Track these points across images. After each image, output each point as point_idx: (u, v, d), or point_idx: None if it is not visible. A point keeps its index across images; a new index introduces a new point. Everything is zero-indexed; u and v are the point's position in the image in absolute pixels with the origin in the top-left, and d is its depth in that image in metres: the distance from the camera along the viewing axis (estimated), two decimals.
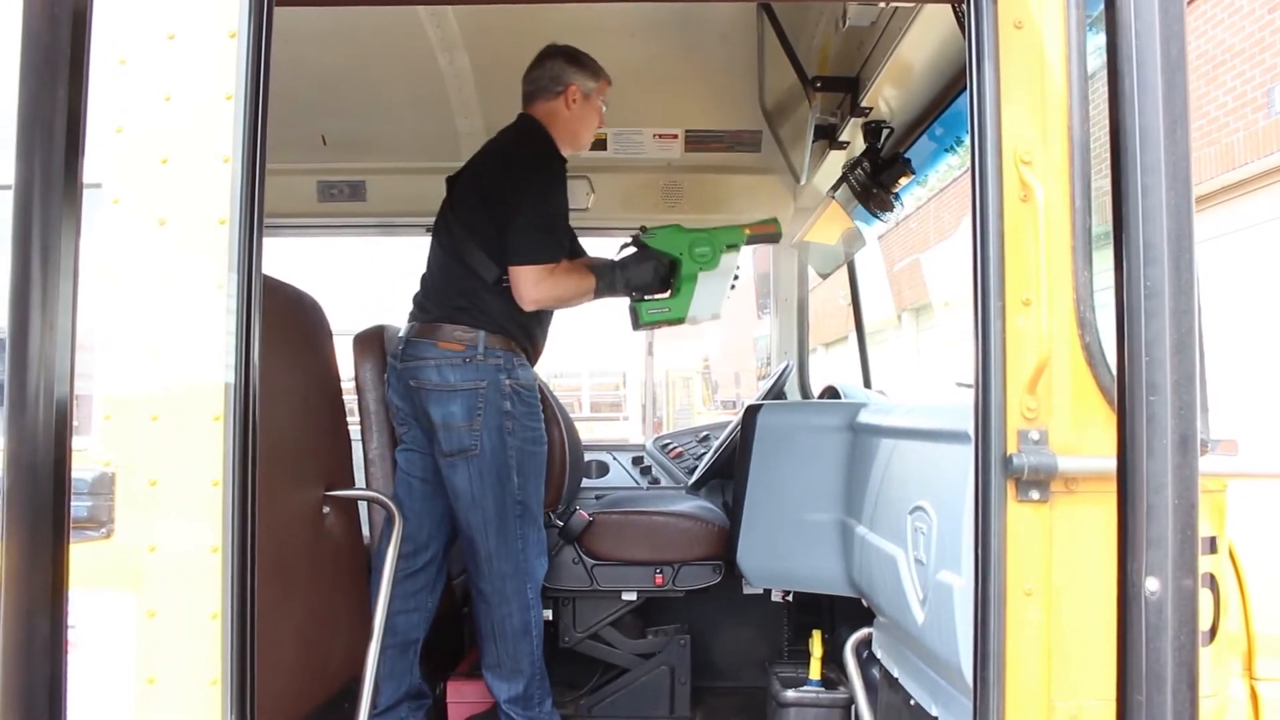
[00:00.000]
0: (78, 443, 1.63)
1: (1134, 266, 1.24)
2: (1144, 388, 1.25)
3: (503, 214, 2.92)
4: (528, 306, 2.95)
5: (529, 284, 2.91)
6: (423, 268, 3.17)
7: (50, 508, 1.02)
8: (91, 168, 1.67)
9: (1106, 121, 1.31)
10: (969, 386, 1.67)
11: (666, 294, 3.09)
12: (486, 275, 2.96)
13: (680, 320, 3.10)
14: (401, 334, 3.06)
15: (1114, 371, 1.58)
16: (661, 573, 3.44)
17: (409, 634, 3.04)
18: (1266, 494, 2.08)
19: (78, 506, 1.59)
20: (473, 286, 2.97)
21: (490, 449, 2.90)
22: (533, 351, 3.12)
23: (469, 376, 2.90)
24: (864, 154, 3.27)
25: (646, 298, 3.09)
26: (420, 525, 3.03)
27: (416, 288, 3.14)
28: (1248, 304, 8.28)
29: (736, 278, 3.14)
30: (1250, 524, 1.93)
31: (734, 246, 3.07)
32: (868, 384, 4.29)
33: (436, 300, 3.02)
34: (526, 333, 3.06)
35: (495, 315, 2.97)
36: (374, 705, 2.93)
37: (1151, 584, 1.24)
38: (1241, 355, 8.00)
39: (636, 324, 3.13)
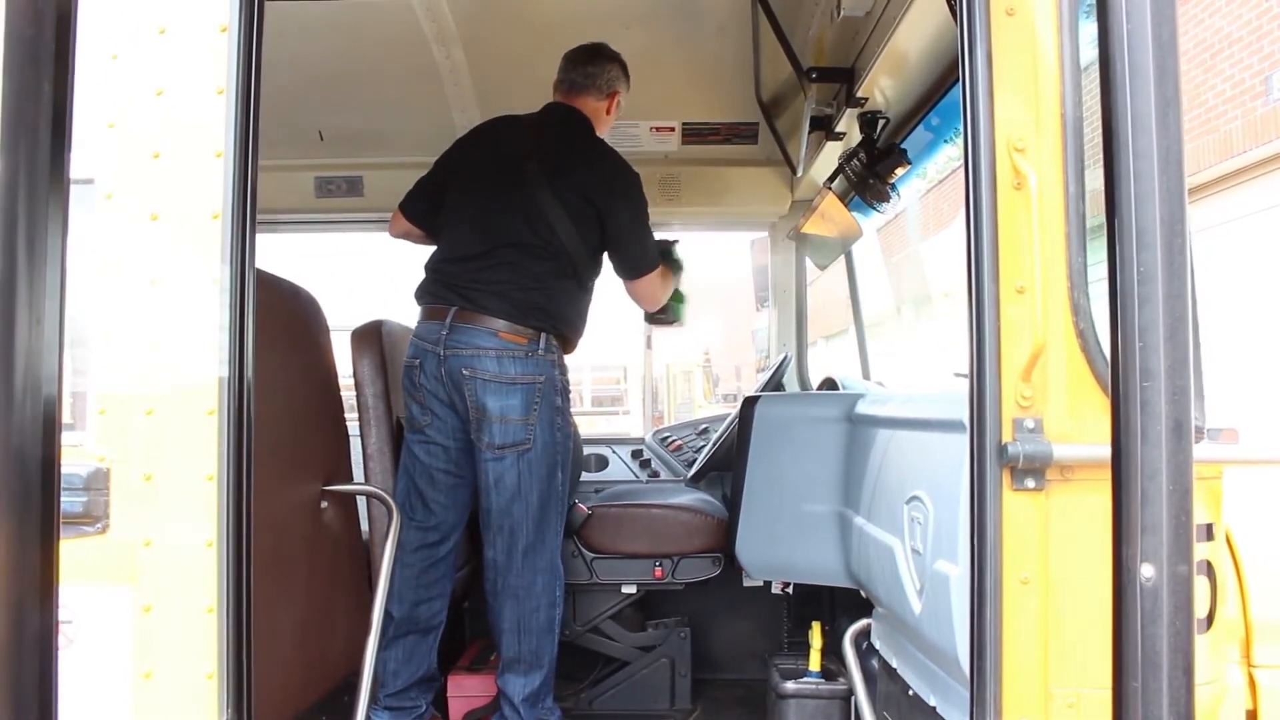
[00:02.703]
0: (72, 438, 1.64)
1: (1126, 252, 1.23)
2: (1138, 373, 1.24)
3: (615, 229, 3.04)
4: (654, 308, 3.31)
5: (656, 287, 3.21)
6: (420, 257, 3.14)
7: (40, 504, 1.02)
8: (84, 163, 1.68)
9: (1099, 108, 1.30)
10: (966, 376, 1.67)
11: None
12: (567, 274, 2.99)
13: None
14: (426, 320, 2.98)
15: (1109, 358, 1.58)
16: (661, 565, 3.45)
17: (431, 621, 3.04)
18: (1264, 481, 2.07)
19: (73, 502, 1.60)
20: (549, 283, 2.96)
21: (542, 444, 2.91)
22: (572, 348, 3.17)
23: (529, 370, 2.89)
24: (860, 145, 3.27)
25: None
26: (446, 515, 3.02)
27: (411, 276, 3.10)
28: (1247, 292, 8.27)
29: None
30: (1248, 511, 1.93)
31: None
32: (866, 375, 4.29)
33: (491, 289, 2.92)
34: (581, 330, 3.13)
35: (564, 311, 3.00)
36: (379, 692, 2.95)
37: (1146, 570, 1.23)
38: (1240, 343, 7.99)
39: (676, 319, 3.56)
